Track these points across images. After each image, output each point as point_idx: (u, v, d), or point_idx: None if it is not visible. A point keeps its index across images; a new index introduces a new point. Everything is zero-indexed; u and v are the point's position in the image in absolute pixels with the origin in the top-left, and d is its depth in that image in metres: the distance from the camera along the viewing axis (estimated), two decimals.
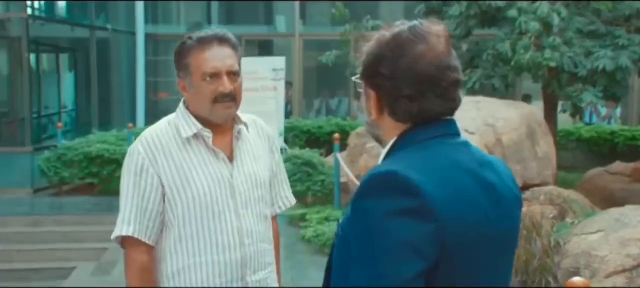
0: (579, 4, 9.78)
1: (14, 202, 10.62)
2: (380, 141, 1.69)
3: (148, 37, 15.84)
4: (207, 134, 2.47)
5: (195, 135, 2.47)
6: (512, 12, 8.94)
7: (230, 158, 2.51)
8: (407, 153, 1.58)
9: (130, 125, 12.33)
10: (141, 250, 2.45)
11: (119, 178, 9.15)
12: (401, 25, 1.63)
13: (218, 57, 2.43)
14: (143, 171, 2.43)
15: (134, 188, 2.44)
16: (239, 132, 2.54)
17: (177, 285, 2.47)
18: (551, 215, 6.65)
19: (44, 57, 15.05)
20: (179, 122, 2.49)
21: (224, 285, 2.47)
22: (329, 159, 10.14)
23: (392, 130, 1.64)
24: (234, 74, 2.45)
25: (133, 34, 15.49)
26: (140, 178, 2.43)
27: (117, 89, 15.98)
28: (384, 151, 1.66)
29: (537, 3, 8.82)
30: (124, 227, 2.44)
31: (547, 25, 8.72)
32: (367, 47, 1.65)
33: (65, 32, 14.72)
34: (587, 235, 5.47)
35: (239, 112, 2.56)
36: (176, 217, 2.44)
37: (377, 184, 1.50)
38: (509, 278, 1.71)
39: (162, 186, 2.44)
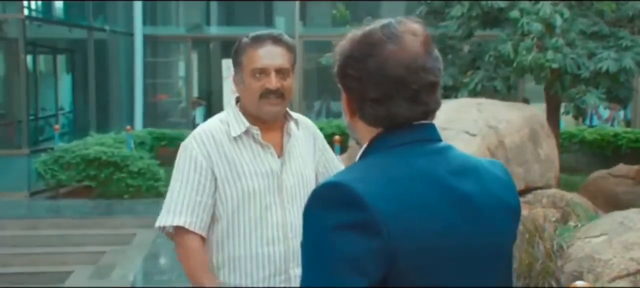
0: (582, 4, 9.73)
1: (11, 205, 10.59)
2: (358, 143, 1.63)
3: (146, 38, 15.80)
4: (256, 131, 2.57)
5: (246, 132, 2.58)
6: (515, 13, 8.89)
7: (280, 154, 2.62)
8: (370, 161, 1.52)
9: (129, 127, 12.31)
10: (194, 238, 2.56)
11: (117, 181, 9.13)
12: (375, 24, 1.55)
13: (268, 54, 2.54)
14: (197, 165, 2.54)
15: (188, 182, 2.54)
16: (289, 130, 2.65)
17: (222, 276, 2.58)
18: (554, 219, 6.59)
19: (41, 58, 14.99)
20: (229, 120, 2.60)
21: (267, 277, 2.57)
22: None
23: (366, 133, 1.57)
24: (283, 72, 2.55)
25: (131, 35, 15.45)
26: (195, 173, 2.54)
27: (115, 90, 15.91)
28: (358, 155, 1.59)
29: (540, 4, 8.77)
30: (175, 217, 2.54)
31: (549, 27, 8.68)
32: (340, 46, 1.58)
33: (63, 33, 14.66)
34: (590, 239, 5.41)
35: (288, 110, 2.68)
36: (226, 210, 2.55)
37: (323, 196, 1.45)
38: None
39: (215, 180, 2.54)
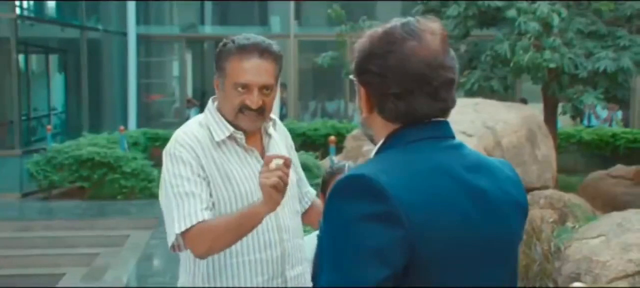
0: (580, 4, 9.73)
1: (3, 206, 10.54)
2: (373, 140, 1.68)
3: (140, 38, 15.74)
4: (240, 135, 2.49)
5: (229, 137, 2.49)
6: (512, 13, 8.88)
7: (262, 155, 2.53)
8: (389, 156, 1.58)
9: (122, 128, 12.26)
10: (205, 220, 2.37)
11: (110, 182, 9.05)
12: (395, 22, 1.61)
13: (254, 70, 2.42)
14: (187, 164, 2.39)
15: (184, 181, 2.38)
16: (268, 130, 2.59)
17: (219, 284, 2.47)
18: (551, 220, 6.57)
19: (33, 58, 14.92)
20: (210, 124, 2.50)
21: (265, 282, 2.49)
22: (325, 162, 10.05)
23: (382, 129, 1.62)
24: (266, 89, 2.45)
25: (125, 34, 15.39)
26: (191, 172, 2.39)
27: (108, 90, 15.84)
28: (374, 151, 1.64)
29: (537, 3, 8.76)
30: (187, 221, 2.34)
31: (547, 26, 8.68)
32: (359, 43, 1.64)
33: (55, 33, 14.60)
34: (588, 240, 5.43)
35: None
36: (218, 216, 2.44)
37: (347, 188, 1.49)
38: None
39: (208, 182, 2.42)
